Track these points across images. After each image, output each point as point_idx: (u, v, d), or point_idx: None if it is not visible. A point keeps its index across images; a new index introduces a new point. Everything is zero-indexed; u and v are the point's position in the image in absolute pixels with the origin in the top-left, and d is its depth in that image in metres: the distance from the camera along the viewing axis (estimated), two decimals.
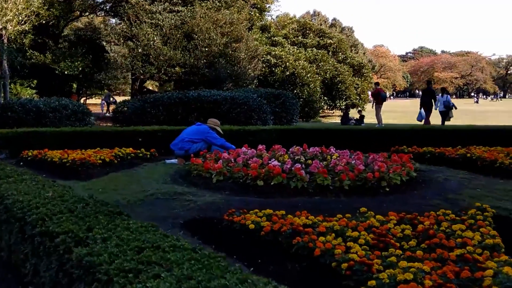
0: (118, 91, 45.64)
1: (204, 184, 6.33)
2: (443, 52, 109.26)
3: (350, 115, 23.26)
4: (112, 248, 2.43)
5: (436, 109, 18.88)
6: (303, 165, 6.36)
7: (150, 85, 30.62)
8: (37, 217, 3.11)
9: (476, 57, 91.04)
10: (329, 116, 32.18)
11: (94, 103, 49.05)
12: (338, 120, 27.89)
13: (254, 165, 6.29)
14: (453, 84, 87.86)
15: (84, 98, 37.74)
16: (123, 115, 16.75)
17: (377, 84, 21.62)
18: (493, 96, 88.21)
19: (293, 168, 6.18)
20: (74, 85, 33.75)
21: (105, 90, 42.16)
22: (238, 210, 4.92)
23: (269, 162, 6.64)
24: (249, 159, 7.03)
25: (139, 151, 9.02)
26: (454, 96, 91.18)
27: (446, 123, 18.60)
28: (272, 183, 5.91)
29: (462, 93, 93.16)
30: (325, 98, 28.20)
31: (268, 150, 7.95)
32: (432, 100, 18.72)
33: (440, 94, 19.48)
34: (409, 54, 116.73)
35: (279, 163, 6.46)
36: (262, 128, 10.81)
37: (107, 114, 26.80)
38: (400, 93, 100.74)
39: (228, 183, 6.23)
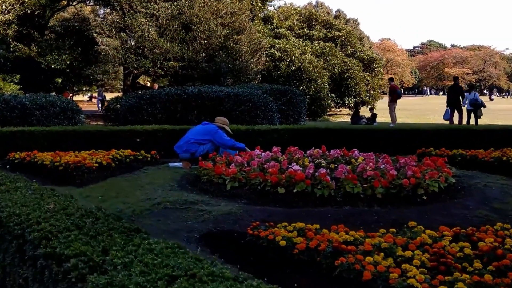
0: (107, 87, 45.23)
1: (216, 191, 6.03)
2: (453, 46, 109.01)
3: (360, 114, 22.99)
4: (138, 277, 2.13)
5: (464, 105, 18.57)
6: (328, 170, 6.06)
7: (142, 80, 30.23)
8: (39, 235, 2.80)
9: (489, 52, 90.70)
10: (336, 114, 31.90)
11: (82, 100, 48.74)
12: (347, 119, 27.62)
13: (272, 170, 5.99)
14: (464, 81, 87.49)
15: (71, 94, 37.35)
16: (115, 112, 16.41)
17: (391, 79, 21.35)
18: (505, 93, 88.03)
19: (317, 174, 5.89)
20: (59, 80, 33.37)
21: (94, 86, 41.84)
22: (262, 222, 4.64)
23: (289, 166, 6.35)
24: (264, 163, 6.75)
25: (138, 153, 8.71)
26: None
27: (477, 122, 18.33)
28: (294, 191, 5.61)
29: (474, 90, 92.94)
30: (332, 95, 27.88)
31: (282, 153, 7.68)
32: (460, 98, 18.35)
33: (468, 92, 19.15)
34: (417, 48, 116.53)
35: (300, 168, 6.16)
36: (273, 128, 10.52)
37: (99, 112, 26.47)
38: (408, 90, 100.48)
39: (244, 190, 5.93)
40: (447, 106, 18.65)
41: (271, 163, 6.40)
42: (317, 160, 7.03)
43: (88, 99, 49.30)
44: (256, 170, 6.22)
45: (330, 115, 29.63)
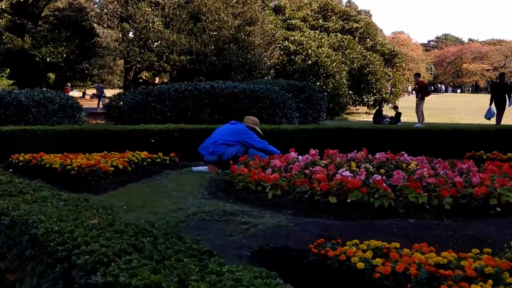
0: (105, 83, 44.92)
1: (256, 200, 5.72)
2: (470, 40, 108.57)
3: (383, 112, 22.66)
4: None
5: (510, 105, 18.20)
6: (383, 177, 5.73)
7: (143, 75, 29.93)
8: (92, 259, 2.47)
9: (511, 47, 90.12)
10: (353, 113, 31.55)
11: (77, 96, 48.39)
12: (367, 118, 27.33)
13: (320, 177, 5.66)
14: (484, 77, 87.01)
15: (78, 91, 37.11)
16: (118, 110, 16.10)
17: (418, 75, 21.01)
18: None
19: (370, 181, 5.56)
20: (51, 75, 33.05)
21: (88, 82, 41.52)
22: (318, 237, 4.32)
23: (336, 172, 6.03)
24: (306, 168, 6.43)
25: (155, 155, 8.38)
26: (485, 91, 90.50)
27: None
28: (348, 200, 5.28)
29: None
30: (350, 92, 27.53)
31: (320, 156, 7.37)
32: (506, 96, 17.96)
33: None
34: (431, 42, 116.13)
35: (351, 174, 5.83)
36: (302, 128, 10.20)
37: (99, 109, 26.16)
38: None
39: (288, 199, 5.61)
40: (490, 104, 18.36)
41: (316, 168, 6.08)
42: (363, 165, 6.70)
43: (92, 96, 48.78)
44: (300, 176, 5.89)
45: (348, 113, 29.28)
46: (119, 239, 2.76)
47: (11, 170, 7.99)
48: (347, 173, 5.78)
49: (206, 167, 7.70)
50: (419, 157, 7.15)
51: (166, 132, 9.69)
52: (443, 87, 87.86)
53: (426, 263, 3.36)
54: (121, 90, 34.88)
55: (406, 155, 7.24)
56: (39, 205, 3.46)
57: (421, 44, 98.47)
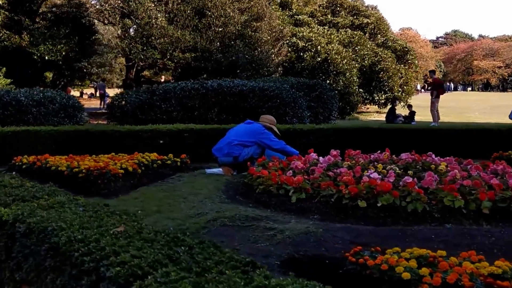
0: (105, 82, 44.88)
1: (278, 205, 5.56)
2: (481, 36, 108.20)
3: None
4: None
5: None
6: (415, 179, 5.56)
7: (145, 73, 29.80)
8: (124, 272, 2.32)
9: None
10: (364, 112, 31.37)
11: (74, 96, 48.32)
12: (378, 117, 27.16)
13: (347, 179, 5.51)
14: (496, 75, 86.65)
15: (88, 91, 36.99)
16: (121, 110, 15.97)
17: (433, 72, 20.84)
18: None
19: (401, 183, 5.41)
20: (48, 75, 32.89)
21: (87, 81, 41.43)
22: (350, 244, 4.19)
23: (363, 174, 5.88)
24: (329, 170, 6.28)
25: (166, 157, 8.24)
26: (496, 89, 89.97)
27: None
28: (379, 204, 5.12)
29: (505, 85, 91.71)
30: (360, 90, 27.34)
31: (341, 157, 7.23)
32: None
33: None
34: (440, 39, 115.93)
35: (379, 176, 5.68)
36: (318, 128, 10.05)
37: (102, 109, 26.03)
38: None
39: (314, 203, 5.45)
40: None
41: (341, 170, 5.92)
42: (388, 166, 6.55)
43: (90, 95, 48.74)
44: (325, 179, 5.73)
45: (358, 113, 29.10)
46: (151, 248, 2.61)
47: (13, 173, 7.87)
48: (376, 175, 5.63)
49: (221, 169, 7.55)
50: (447, 158, 6.99)
51: (176, 133, 9.57)
52: (451, 85, 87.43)
53: (478, 273, 3.20)
54: (120, 89, 34.78)
55: (433, 155, 7.08)
56: (56, 211, 3.31)
57: (430, 41, 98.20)
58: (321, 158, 6.97)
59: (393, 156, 7.26)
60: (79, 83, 39.86)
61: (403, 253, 3.66)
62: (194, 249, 2.62)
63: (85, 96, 47.65)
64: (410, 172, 6.24)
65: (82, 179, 6.85)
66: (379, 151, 7.35)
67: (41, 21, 24.84)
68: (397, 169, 6.43)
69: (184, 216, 5.18)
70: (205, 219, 5.04)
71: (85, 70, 30.57)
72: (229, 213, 5.19)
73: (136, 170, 7.41)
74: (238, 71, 21.04)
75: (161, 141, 9.36)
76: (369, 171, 5.92)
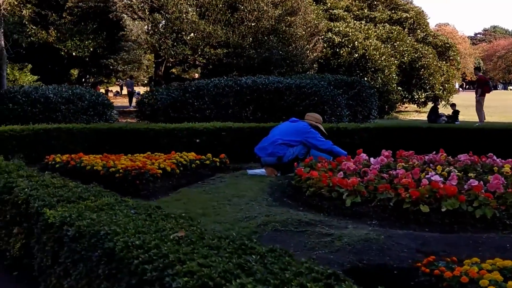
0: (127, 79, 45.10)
1: (332, 208, 5.37)
2: None
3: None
4: None
5: None
6: (481, 182, 5.31)
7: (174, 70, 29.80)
8: (193, 283, 2.16)
9: None
10: (402, 111, 30.90)
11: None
12: (418, 117, 26.71)
13: (407, 181, 5.28)
14: None
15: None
16: (151, 108, 15.93)
17: (478, 69, 20.38)
18: None
19: (465, 187, 5.17)
20: (74, 72, 33.09)
21: (113, 78, 41.69)
22: (416, 252, 3.99)
23: (421, 176, 5.65)
24: (381, 172, 6.07)
25: (204, 157, 8.12)
26: None
27: None
28: (443, 209, 4.88)
29: None
30: (399, 88, 26.92)
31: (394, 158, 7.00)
32: None
33: None
34: (478, 35, 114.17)
35: (441, 178, 5.44)
36: (363, 127, 9.80)
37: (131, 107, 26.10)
38: (471, 84, 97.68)
39: (370, 208, 5.24)
40: None
41: (399, 172, 5.69)
42: (446, 168, 6.31)
43: (115, 93, 49.07)
44: (382, 181, 5.51)
45: (396, 112, 28.68)
46: (217, 256, 2.44)
47: (46, 172, 7.81)
48: (437, 177, 5.39)
49: (263, 170, 7.38)
50: (509, 159, 6.70)
51: (213, 131, 9.43)
52: (491, 83, 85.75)
53: None
54: (145, 87, 34.79)
55: (494, 157, 6.80)
56: (107, 214, 3.17)
57: (468, 37, 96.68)
58: (372, 159, 6.76)
59: (449, 157, 7.01)
60: (105, 81, 40.14)
61: (484, 264, 3.44)
62: (266, 257, 2.44)
63: (110, 94, 47.96)
64: (471, 174, 5.99)
65: (119, 179, 6.76)
66: (434, 152, 7.11)
67: (68, 16, 24.94)
68: (456, 171, 6.18)
69: (232, 220, 5.02)
70: (255, 223, 4.87)
71: (111, 67, 30.71)
72: (279, 217, 5.01)
73: (174, 170, 7.31)
74: (271, 67, 20.88)
75: (197, 140, 9.23)
76: (429, 173, 5.68)
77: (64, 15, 25.27)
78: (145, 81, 47.14)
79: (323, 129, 7.78)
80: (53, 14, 23.57)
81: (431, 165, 6.67)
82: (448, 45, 30.69)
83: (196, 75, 28.21)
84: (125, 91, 41.49)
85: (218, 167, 8.07)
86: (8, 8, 18.91)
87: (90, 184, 4.25)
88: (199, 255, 2.44)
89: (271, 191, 6.28)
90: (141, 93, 26.63)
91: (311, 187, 5.80)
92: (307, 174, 6.04)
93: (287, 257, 2.44)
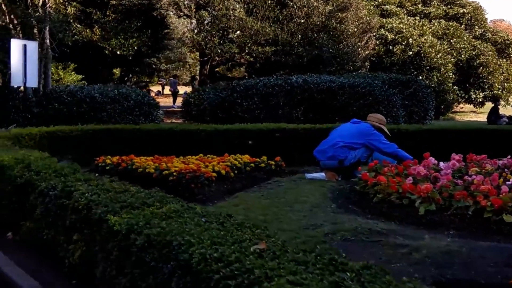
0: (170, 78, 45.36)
1: (403, 217, 5.14)
2: None
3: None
4: None
5: None
6: None
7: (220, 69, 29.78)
8: None
9: None
10: (458, 112, 30.22)
11: None
12: (476, 117, 26.09)
13: (486, 188, 5.02)
14: None
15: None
16: (197, 108, 15.92)
17: None
18: None
19: None
20: (116, 71, 33.40)
21: (155, 78, 42.02)
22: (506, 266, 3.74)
23: (499, 182, 5.38)
24: (456, 177, 5.81)
25: (259, 159, 7.99)
26: None
27: None
28: None
29: None
30: (455, 87, 26.29)
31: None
32: None
33: None
34: None
35: None
36: (426, 129, 9.55)
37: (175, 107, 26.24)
38: None
39: (446, 216, 5.00)
40: None
41: (476, 178, 5.43)
42: None
43: (157, 93, 49.46)
44: (457, 188, 5.27)
45: (452, 112, 28.06)
46: (307, 272, 2.28)
47: (96, 174, 7.80)
48: None
49: (323, 174, 7.19)
50: None
51: (265, 133, 9.32)
52: None
53: None
54: (187, 87, 34.87)
55: None
56: (176, 222, 3.04)
57: None
58: (441, 163, 6.49)
59: None
60: (148, 80, 40.44)
61: None
62: (362, 275, 2.27)
63: (152, 94, 48.34)
64: None
65: (173, 182, 6.68)
66: (509, 156, 6.80)
67: (112, 14, 25.14)
68: None
69: (296, 228, 4.86)
70: (322, 231, 4.69)
71: (154, 66, 30.90)
72: (348, 225, 4.83)
73: (229, 173, 7.22)
74: (321, 66, 20.65)
75: (250, 142, 9.13)
76: (510, 180, 5.40)
77: (108, 13, 25.49)
78: (187, 80, 47.34)
79: (387, 131, 7.53)
80: (97, 12, 23.80)
81: (506, 170, 6.37)
82: (508, 42, 29.85)
83: (243, 74, 28.12)
84: (167, 90, 41.74)
85: (274, 170, 7.96)
86: (53, 6, 19.19)
87: (151, 189, 4.15)
88: (287, 271, 2.28)
89: (333, 197, 6.10)
90: (187, 92, 26.73)
91: (379, 193, 5.59)
92: (373, 179, 5.84)
93: (386, 276, 2.26)
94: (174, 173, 6.75)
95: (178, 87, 38.42)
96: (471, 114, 29.06)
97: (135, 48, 23.06)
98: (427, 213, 5.08)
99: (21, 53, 12.47)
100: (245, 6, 20.51)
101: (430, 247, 4.23)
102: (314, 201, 5.87)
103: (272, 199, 6.09)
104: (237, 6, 20.19)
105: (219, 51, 20.11)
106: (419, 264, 3.98)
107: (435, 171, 6.15)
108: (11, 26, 16.38)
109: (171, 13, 21.26)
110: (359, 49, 21.91)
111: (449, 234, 4.73)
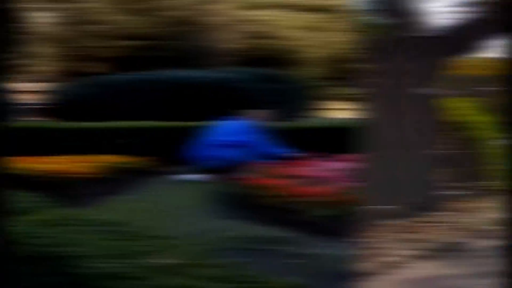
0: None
1: (296, 223, 4.79)
2: None
3: None
4: None
5: None
6: None
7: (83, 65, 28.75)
8: None
9: None
10: (330, 109, 31.08)
11: None
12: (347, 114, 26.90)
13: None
14: None
15: None
16: (60, 105, 15.14)
17: None
18: None
19: None
20: None
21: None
22: None
23: None
24: None
25: (128, 160, 7.61)
26: None
27: None
28: None
29: None
30: (328, 82, 26.95)
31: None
32: None
33: None
34: None
35: None
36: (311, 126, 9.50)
37: None
38: None
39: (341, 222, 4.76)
40: None
41: None
42: None
43: None
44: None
45: (324, 109, 28.81)
46: None
47: None
48: None
49: (202, 175, 6.80)
50: None
51: (135, 131, 9.01)
52: None
53: None
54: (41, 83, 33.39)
55: None
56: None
57: None
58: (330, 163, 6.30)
59: None
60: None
61: None
62: None
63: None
64: None
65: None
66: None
67: None
68: None
69: (182, 236, 4.39)
70: (210, 240, 4.27)
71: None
72: (235, 233, 4.45)
73: (97, 175, 6.65)
74: (189, 60, 20.49)
75: (118, 141, 8.67)
76: None
77: None
78: (46, 76, 45.48)
79: (269, 128, 7.28)
80: None
81: None
82: None
83: (108, 70, 27.52)
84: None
85: (146, 171, 7.57)
86: None
87: None
88: None
89: (215, 201, 5.75)
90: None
91: (264, 196, 5.23)
92: (255, 181, 5.50)
93: None
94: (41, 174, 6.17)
95: (38, 84, 36.65)
96: (342, 111, 29.92)
97: None
98: (323, 219, 4.80)
99: None
100: None
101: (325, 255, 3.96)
102: (195, 205, 5.49)
103: (147, 203, 5.64)
104: None
105: (80, 45, 19.42)
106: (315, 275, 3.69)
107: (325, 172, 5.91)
108: None
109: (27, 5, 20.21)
110: (226, 43, 21.99)
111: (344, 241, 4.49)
